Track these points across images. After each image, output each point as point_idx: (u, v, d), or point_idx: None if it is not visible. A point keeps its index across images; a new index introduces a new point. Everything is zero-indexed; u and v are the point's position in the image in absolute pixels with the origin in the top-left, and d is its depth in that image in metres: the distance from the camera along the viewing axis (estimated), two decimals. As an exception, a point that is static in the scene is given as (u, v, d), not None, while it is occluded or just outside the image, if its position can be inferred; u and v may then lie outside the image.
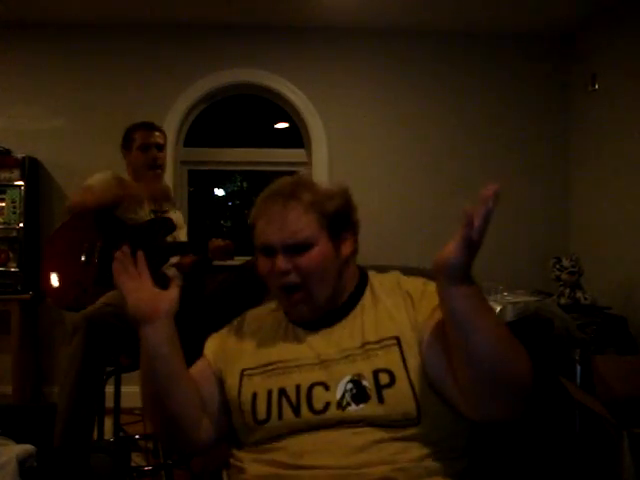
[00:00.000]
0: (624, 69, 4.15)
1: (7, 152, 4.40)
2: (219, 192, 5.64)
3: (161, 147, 3.14)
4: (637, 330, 3.70)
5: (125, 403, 3.33)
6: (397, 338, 1.34)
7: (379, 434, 1.26)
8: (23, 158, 4.40)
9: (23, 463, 1.67)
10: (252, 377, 1.40)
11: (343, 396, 1.29)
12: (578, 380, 3.30)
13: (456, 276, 1.16)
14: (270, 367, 1.39)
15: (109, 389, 3.06)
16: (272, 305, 1.56)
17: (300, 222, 1.38)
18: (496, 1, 4.26)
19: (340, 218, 1.43)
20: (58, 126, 4.67)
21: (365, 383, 1.29)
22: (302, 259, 1.37)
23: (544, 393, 3.20)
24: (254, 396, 1.37)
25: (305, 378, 1.34)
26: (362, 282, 1.51)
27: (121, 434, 3.24)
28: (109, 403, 3.18)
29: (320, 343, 1.39)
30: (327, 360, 1.35)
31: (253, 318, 1.55)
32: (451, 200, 4.82)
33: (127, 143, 3.15)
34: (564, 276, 3.87)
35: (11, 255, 4.34)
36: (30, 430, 1.92)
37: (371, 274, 1.55)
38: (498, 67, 4.89)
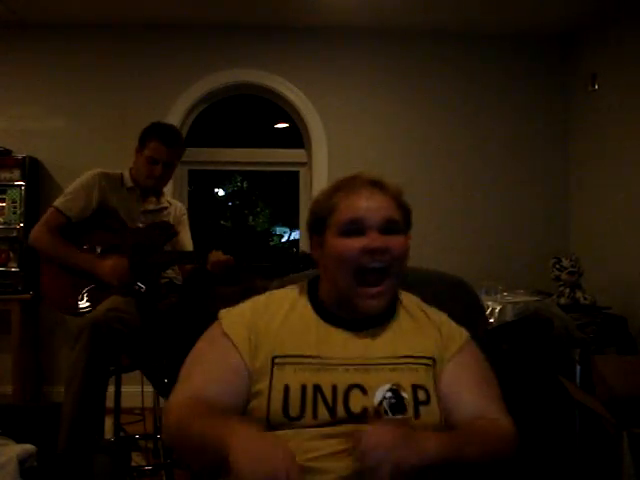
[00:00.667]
0: (624, 69, 4.15)
1: (7, 152, 4.41)
2: (219, 192, 5.65)
3: (170, 165, 2.98)
4: (637, 330, 3.70)
5: (125, 403, 3.33)
6: (433, 360, 1.37)
7: None
8: (23, 158, 4.40)
9: (23, 463, 1.68)
10: (284, 367, 1.32)
11: (381, 403, 1.28)
12: (578, 380, 3.29)
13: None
14: (305, 360, 1.33)
15: (109, 389, 3.05)
16: (289, 290, 1.50)
17: (396, 207, 1.39)
18: (496, 1, 4.26)
19: (409, 217, 1.44)
20: (58, 126, 4.67)
21: (404, 395, 1.29)
22: (395, 240, 1.36)
23: (544, 393, 3.21)
24: (286, 389, 1.29)
25: (342, 378, 1.30)
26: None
27: (121, 434, 3.24)
28: (109, 403, 3.18)
29: (359, 346, 1.36)
30: (367, 364, 1.33)
31: (277, 301, 1.46)
32: (451, 200, 4.83)
33: (140, 144, 2.99)
34: (564, 276, 3.87)
35: (11, 255, 4.34)
36: (30, 430, 1.92)
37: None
38: (498, 67, 4.89)
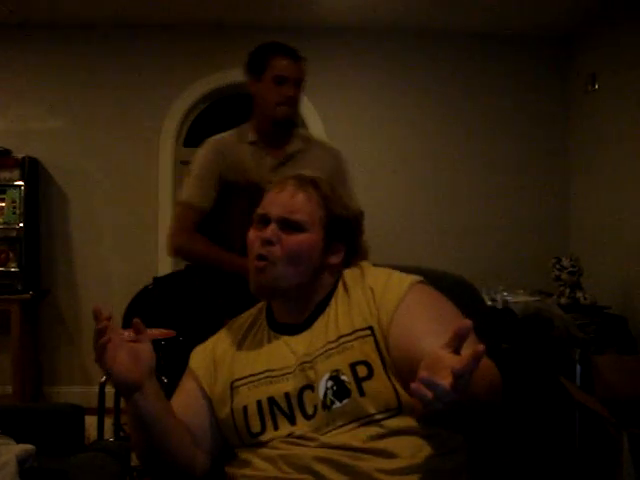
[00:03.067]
0: (623, 69, 4.15)
1: (7, 152, 4.40)
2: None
3: (300, 84, 2.46)
4: (637, 330, 3.70)
5: (125, 403, 3.33)
6: (371, 328, 1.31)
7: (370, 430, 1.23)
8: (23, 158, 4.40)
9: (23, 463, 1.67)
10: (239, 389, 1.36)
11: (325, 395, 1.26)
12: (578, 380, 3.30)
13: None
14: (257, 377, 1.36)
15: (109, 389, 3.06)
16: (253, 310, 1.53)
17: (305, 206, 1.37)
18: (496, 2, 4.26)
19: (341, 227, 1.41)
20: (58, 126, 4.67)
21: (344, 378, 1.26)
22: (288, 237, 1.35)
23: (544, 393, 3.21)
24: (244, 410, 1.33)
25: (293, 385, 1.31)
26: (336, 280, 1.47)
27: (121, 434, 3.23)
28: (109, 403, 3.18)
29: (302, 346, 1.35)
30: (309, 361, 1.32)
31: (237, 326, 1.50)
32: (451, 200, 4.83)
33: (258, 67, 2.53)
34: (564, 276, 3.87)
35: (11, 255, 4.34)
36: (30, 430, 1.92)
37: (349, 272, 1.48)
38: (498, 67, 4.89)
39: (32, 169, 4.48)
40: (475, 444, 1.38)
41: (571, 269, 3.87)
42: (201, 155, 2.46)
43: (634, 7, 3.99)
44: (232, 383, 1.38)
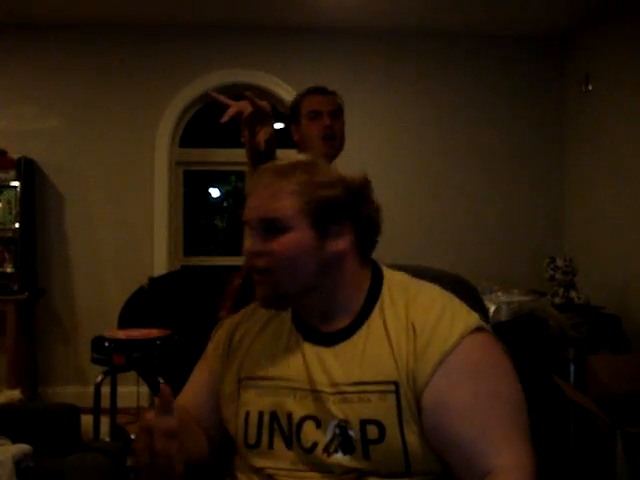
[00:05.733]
0: (617, 70, 4.17)
1: (3, 153, 4.39)
2: (214, 192, 5.65)
3: (336, 114, 2.54)
4: (630, 329, 3.72)
5: (121, 403, 3.34)
6: (396, 384, 1.14)
7: None
8: (19, 159, 4.39)
9: (19, 463, 1.68)
10: (247, 390, 1.27)
11: (332, 440, 1.16)
12: (572, 379, 3.31)
13: None
14: (265, 382, 1.25)
15: (105, 389, 3.06)
16: None
17: (280, 202, 1.20)
18: (493, 3, 4.28)
19: (331, 209, 1.22)
20: (54, 127, 4.67)
21: (351, 433, 1.14)
22: (273, 243, 1.21)
23: (538, 393, 3.22)
24: (246, 416, 1.25)
25: (297, 407, 1.20)
26: (375, 288, 1.28)
27: (117, 434, 3.24)
28: (105, 403, 3.18)
29: (321, 366, 1.21)
30: (320, 391, 1.19)
31: (259, 314, 1.36)
32: (449, 199, 4.84)
33: (294, 114, 2.58)
34: (558, 276, 3.89)
35: (7, 256, 4.34)
36: (26, 430, 1.92)
37: (387, 275, 1.32)
38: (494, 68, 4.90)
39: (28, 169, 4.47)
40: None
41: (565, 269, 3.88)
42: None
43: (626, 10, 4.01)
44: (240, 380, 1.29)
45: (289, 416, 1.20)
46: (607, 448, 2.63)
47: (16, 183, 4.36)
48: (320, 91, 2.55)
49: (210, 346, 1.39)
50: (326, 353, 1.22)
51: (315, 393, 1.19)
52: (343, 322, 1.25)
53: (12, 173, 4.37)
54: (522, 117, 4.91)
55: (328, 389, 1.18)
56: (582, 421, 2.99)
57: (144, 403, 3.57)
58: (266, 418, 1.22)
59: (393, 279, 1.30)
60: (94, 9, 4.39)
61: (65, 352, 4.61)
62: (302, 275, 1.22)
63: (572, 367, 3.32)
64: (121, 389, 3.27)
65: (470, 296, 1.72)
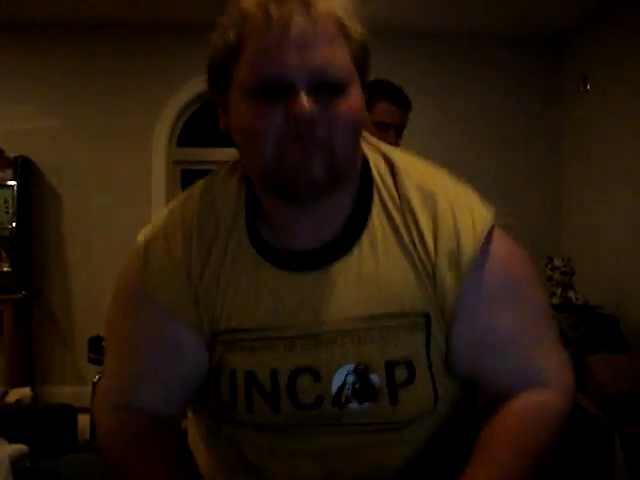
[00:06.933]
0: (615, 70, 4.17)
1: (-1, 152, 4.40)
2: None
3: (402, 129, 2.33)
4: (628, 329, 3.72)
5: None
6: (427, 317, 0.91)
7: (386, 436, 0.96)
8: (16, 158, 4.38)
9: (16, 463, 1.67)
10: (217, 345, 0.96)
11: (341, 390, 0.91)
12: (570, 379, 3.30)
13: None
14: (235, 335, 0.94)
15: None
16: (230, 190, 1.05)
17: (334, 48, 0.85)
18: (492, 4, 4.28)
19: (367, 55, 0.91)
20: (51, 126, 4.65)
21: (374, 379, 0.91)
22: (337, 105, 0.85)
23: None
24: (218, 370, 0.96)
25: (283, 360, 0.92)
26: (365, 178, 0.98)
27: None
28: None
29: (307, 298, 0.92)
30: (317, 333, 0.91)
31: (213, 216, 1.00)
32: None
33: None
34: (556, 276, 3.89)
35: (4, 255, 4.33)
36: (23, 430, 1.92)
37: (370, 156, 1.02)
38: (492, 68, 4.90)
39: (25, 169, 4.46)
40: (470, 443, 1.38)
41: (563, 269, 3.88)
42: None
43: (624, 10, 4.01)
44: (213, 335, 0.95)
45: (273, 373, 0.92)
46: (605, 447, 2.63)
47: (13, 182, 4.36)
48: (399, 101, 2.28)
49: (156, 292, 1.01)
50: (310, 279, 0.92)
51: (310, 337, 0.91)
52: (331, 231, 0.93)
53: (9, 172, 4.36)
54: (520, 117, 4.91)
55: (330, 327, 0.91)
56: (580, 421, 2.99)
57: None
58: (240, 379, 0.93)
59: (380, 165, 1.03)
60: (92, 9, 4.38)
61: (62, 352, 4.60)
62: (356, 149, 0.94)
63: (570, 367, 3.32)
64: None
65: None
